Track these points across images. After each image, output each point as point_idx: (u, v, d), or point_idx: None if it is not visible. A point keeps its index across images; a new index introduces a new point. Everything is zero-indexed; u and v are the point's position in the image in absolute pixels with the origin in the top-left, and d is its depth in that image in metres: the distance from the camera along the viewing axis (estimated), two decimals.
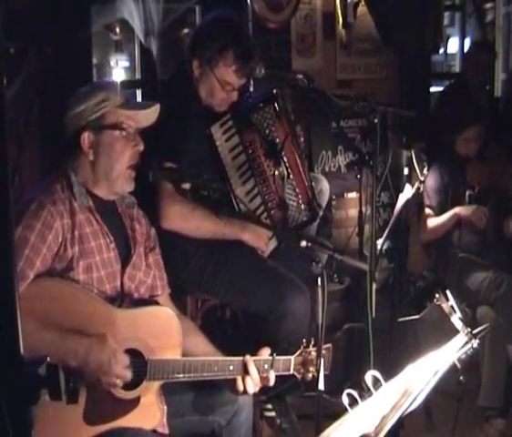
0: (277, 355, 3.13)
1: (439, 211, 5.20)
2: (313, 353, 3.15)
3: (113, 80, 3.08)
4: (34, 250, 2.71)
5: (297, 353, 3.17)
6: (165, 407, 3.01)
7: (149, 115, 3.04)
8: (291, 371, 3.19)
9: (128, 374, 2.74)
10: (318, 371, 2.95)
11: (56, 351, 2.57)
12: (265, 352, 3.12)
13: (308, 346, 3.17)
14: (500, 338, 4.61)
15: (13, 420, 1.40)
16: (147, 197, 3.27)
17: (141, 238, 3.13)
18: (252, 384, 3.06)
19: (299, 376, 3.20)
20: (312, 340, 3.15)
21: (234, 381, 3.07)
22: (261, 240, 3.82)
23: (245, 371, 3.05)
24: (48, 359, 1.54)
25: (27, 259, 2.68)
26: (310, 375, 3.18)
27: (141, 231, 3.15)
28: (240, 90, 3.86)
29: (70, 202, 2.86)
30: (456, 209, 5.14)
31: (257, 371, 3.05)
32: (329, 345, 3.23)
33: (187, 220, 3.47)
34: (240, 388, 3.06)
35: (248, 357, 3.06)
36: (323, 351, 3.15)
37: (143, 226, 3.18)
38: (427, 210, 5.24)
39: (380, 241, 4.84)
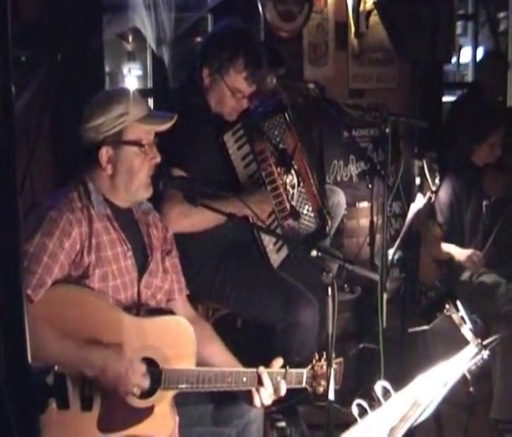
0: (290, 367, 3.13)
1: (449, 228, 5.17)
2: (325, 367, 3.15)
3: (132, 89, 3.03)
4: (52, 257, 2.72)
5: (309, 367, 3.18)
6: (177, 417, 3.01)
7: (166, 127, 3.04)
8: (304, 385, 3.19)
9: (145, 382, 2.76)
10: (328, 381, 2.94)
11: (73, 361, 2.59)
12: (277, 362, 3.13)
13: (320, 360, 3.18)
14: None
15: (20, 429, 1.40)
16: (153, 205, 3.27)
17: (158, 244, 3.15)
18: (267, 396, 3.07)
19: (310, 389, 3.20)
20: (324, 353, 3.15)
21: (249, 392, 3.08)
22: (264, 213, 3.77)
23: (259, 383, 3.06)
24: (56, 367, 1.54)
25: (46, 266, 2.69)
26: (321, 389, 3.18)
27: (158, 236, 3.17)
28: (249, 98, 3.85)
29: (88, 210, 2.87)
30: (451, 250, 5.13)
31: (271, 383, 3.06)
32: (340, 359, 3.24)
33: (187, 217, 3.43)
34: (257, 401, 3.07)
35: (262, 368, 3.07)
36: (335, 366, 3.16)
37: (160, 230, 3.20)
38: (437, 229, 5.21)
39: (391, 251, 4.83)
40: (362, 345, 5.12)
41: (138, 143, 2.92)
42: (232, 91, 3.76)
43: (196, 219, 3.46)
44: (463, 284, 5.06)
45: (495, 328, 4.74)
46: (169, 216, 3.41)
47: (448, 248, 5.13)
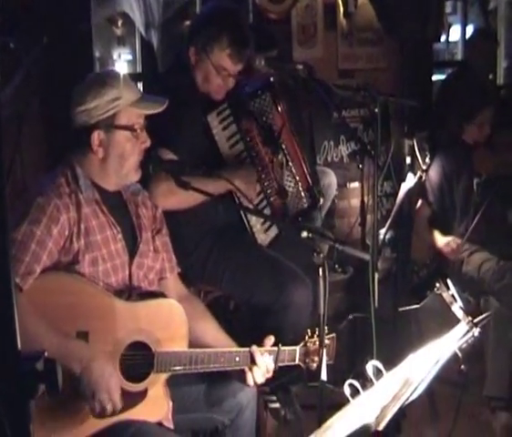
0: (282, 346, 3.15)
1: (440, 207, 5.18)
2: (318, 343, 3.17)
3: (124, 73, 3.03)
4: (40, 245, 2.71)
5: (302, 343, 3.20)
6: (171, 403, 3.03)
7: (158, 111, 3.03)
8: (297, 362, 3.21)
9: (119, 405, 2.69)
10: (320, 362, 2.96)
11: (62, 354, 2.57)
12: (269, 341, 3.15)
13: (312, 336, 3.20)
14: (504, 327, 4.59)
15: (10, 415, 1.40)
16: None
17: (148, 223, 3.15)
18: (260, 375, 3.09)
19: (304, 366, 3.22)
20: (317, 329, 3.17)
21: (242, 371, 3.11)
22: (251, 188, 3.77)
23: (252, 362, 3.08)
24: (46, 353, 1.54)
25: (34, 254, 2.69)
26: (314, 365, 3.21)
27: (148, 215, 3.17)
28: (236, 77, 3.85)
29: (76, 195, 2.86)
30: (433, 236, 5.17)
31: (264, 362, 3.08)
32: (333, 335, 3.26)
33: (174, 194, 3.36)
34: (250, 380, 3.09)
35: (254, 347, 3.09)
36: (327, 341, 3.19)
37: (149, 209, 3.20)
38: (427, 209, 5.22)
39: (383, 231, 4.83)
40: (351, 316, 5.14)
41: (130, 128, 2.92)
42: (217, 69, 3.76)
43: (183, 196, 3.40)
44: (454, 262, 5.07)
45: (487, 305, 4.77)
46: (156, 194, 3.38)
47: (431, 234, 5.16)
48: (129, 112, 2.92)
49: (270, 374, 3.14)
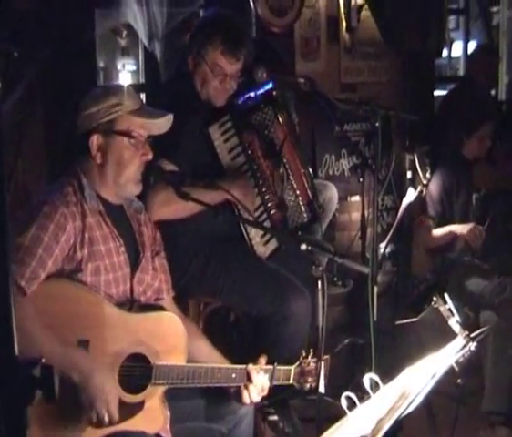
0: (278, 364, 3.16)
1: (439, 221, 5.18)
2: (312, 364, 3.23)
3: (127, 85, 3.09)
4: (47, 251, 2.73)
5: (296, 364, 3.22)
6: (168, 413, 3.03)
7: (161, 124, 3.06)
8: (291, 381, 3.23)
9: (116, 417, 2.70)
10: (318, 374, 2.97)
11: (62, 363, 2.57)
12: (264, 359, 3.17)
13: (307, 357, 3.22)
14: (503, 342, 4.59)
15: (7, 420, 1.40)
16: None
17: (148, 243, 3.17)
18: (256, 392, 3.11)
19: (298, 386, 3.24)
20: (312, 350, 3.20)
21: (238, 389, 3.13)
22: (249, 199, 3.76)
23: (248, 380, 3.10)
24: (43, 360, 1.55)
25: (40, 259, 2.71)
26: (308, 385, 3.24)
27: (148, 235, 3.19)
28: (234, 81, 3.87)
29: (81, 205, 2.89)
30: (452, 227, 5.12)
31: (260, 380, 3.10)
32: (327, 356, 3.26)
33: (170, 204, 3.40)
34: (246, 398, 3.11)
35: (251, 366, 3.11)
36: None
37: (150, 229, 3.22)
38: (428, 221, 5.22)
39: (383, 245, 4.84)
40: (347, 341, 5.13)
41: (128, 134, 2.94)
42: (212, 69, 3.78)
43: (179, 206, 3.40)
44: (456, 275, 5.07)
45: (487, 319, 4.76)
46: (152, 203, 3.40)
47: (448, 227, 5.13)
48: (130, 120, 2.95)
49: (265, 393, 3.16)
